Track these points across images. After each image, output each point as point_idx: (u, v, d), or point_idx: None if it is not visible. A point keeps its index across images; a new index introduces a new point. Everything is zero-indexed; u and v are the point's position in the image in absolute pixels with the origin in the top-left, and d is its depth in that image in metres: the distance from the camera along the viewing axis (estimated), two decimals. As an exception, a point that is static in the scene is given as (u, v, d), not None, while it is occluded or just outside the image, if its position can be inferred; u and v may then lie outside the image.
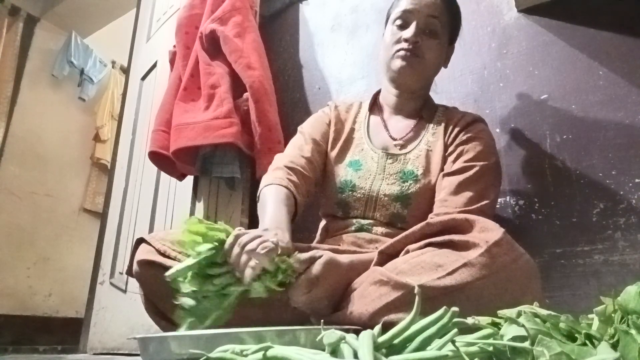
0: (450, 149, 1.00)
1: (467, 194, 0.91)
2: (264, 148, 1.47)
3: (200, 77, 1.60)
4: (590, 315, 0.51)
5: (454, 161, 0.98)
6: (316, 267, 0.75)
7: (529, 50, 1.27)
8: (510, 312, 0.48)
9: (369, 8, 1.69)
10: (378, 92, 1.16)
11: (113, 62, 4.07)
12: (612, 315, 0.47)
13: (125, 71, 2.71)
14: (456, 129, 1.02)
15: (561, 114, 1.18)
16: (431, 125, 1.06)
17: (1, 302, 3.04)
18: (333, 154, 1.08)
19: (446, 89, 1.39)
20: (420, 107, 1.09)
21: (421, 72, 1.03)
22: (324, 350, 0.45)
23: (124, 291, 1.85)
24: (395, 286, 0.70)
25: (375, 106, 1.14)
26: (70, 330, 2.79)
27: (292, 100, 1.77)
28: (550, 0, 1.25)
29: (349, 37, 1.72)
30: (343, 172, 1.03)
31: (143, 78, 2.24)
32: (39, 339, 3.11)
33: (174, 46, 1.79)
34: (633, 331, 0.40)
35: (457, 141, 1.01)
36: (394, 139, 1.05)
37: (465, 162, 0.96)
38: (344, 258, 0.81)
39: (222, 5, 1.64)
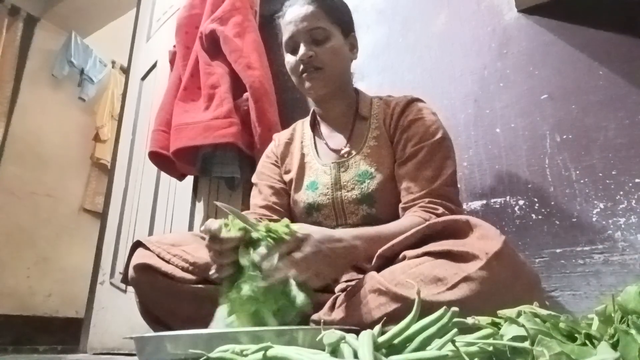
0: (395, 138, 1.02)
1: (426, 175, 0.94)
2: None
3: (200, 77, 1.60)
4: (590, 315, 0.50)
5: (403, 149, 0.99)
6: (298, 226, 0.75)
7: (529, 50, 1.27)
8: (510, 312, 0.48)
9: (369, 8, 1.69)
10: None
11: (113, 62, 4.07)
12: (612, 315, 0.47)
13: (125, 71, 2.71)
14: (394, 117, 1.04)
15: (561, 114, 1.18)
16: (371, 120, 1.07)
17: (1, 302, 3.04)
18: (293, 185, 1.11)
19: (446, 89, 1.39)
20: (353, 105, 1.11)
21: (329, 78, 1.04)
22: (323, 350, 0.44)
23: (124, 291, 1.85)
24: (394, 298, 0.69)
25: (315, 123, 1.16)
26: (70, 330, 2.79)
27: (292, 100, 1.77)
28: (550, 0, 1.25)
29: (349, 37, 1.71)
30: (305, 197, 1.06)
31: (143, 78, 2.24)
32: (39, 339, 3.11)
33: (174, 46, 1.79)
34: (633, 331, 0.40)
35: (399, 129, 1.02)
36: (337, 151, 1.07)
37: (413, 146, 0.98)
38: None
39: (222, 5, 1.64)
